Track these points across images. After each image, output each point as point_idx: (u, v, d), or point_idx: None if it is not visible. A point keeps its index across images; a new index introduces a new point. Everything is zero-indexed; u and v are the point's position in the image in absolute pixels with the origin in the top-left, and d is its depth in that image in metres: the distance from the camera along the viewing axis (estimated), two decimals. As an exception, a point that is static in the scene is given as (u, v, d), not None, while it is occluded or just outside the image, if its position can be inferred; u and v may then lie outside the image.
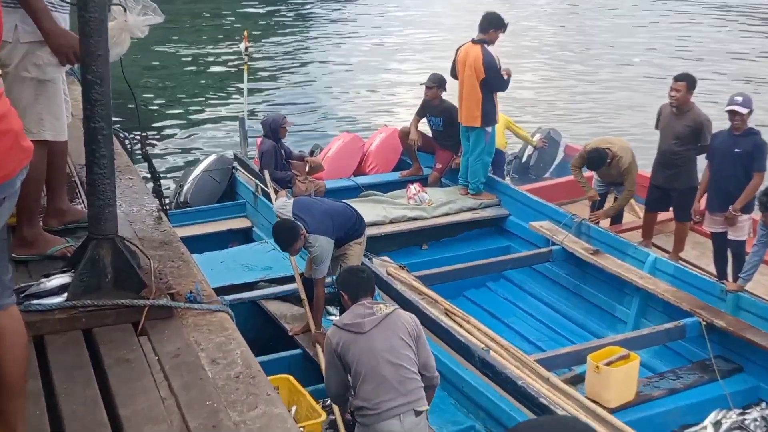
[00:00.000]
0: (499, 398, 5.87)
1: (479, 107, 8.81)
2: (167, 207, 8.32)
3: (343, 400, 5.06)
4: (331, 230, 6.37)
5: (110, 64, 3.46)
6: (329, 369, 4.93)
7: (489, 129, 9.00)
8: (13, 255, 3.82)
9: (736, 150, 7.51)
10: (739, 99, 7.53)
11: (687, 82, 8.02)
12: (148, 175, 6.50)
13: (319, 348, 6.26)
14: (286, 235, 6.27)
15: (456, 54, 9.13)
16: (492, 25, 8.78)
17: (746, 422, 6.06)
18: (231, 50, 19.69)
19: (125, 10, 3.79)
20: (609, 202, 8.79)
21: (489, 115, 8.91)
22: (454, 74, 9.24)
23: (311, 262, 6.46)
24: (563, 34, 23.44)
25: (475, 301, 8.15)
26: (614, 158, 8.28)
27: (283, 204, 6.68)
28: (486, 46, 8.75)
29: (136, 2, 3.81)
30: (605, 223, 8.66)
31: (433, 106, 9.58)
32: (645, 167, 8.98)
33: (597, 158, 8.32)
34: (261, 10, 25.57)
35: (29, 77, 3.77)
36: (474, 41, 8.85)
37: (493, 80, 8.76)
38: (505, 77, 8.88)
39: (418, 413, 4.69)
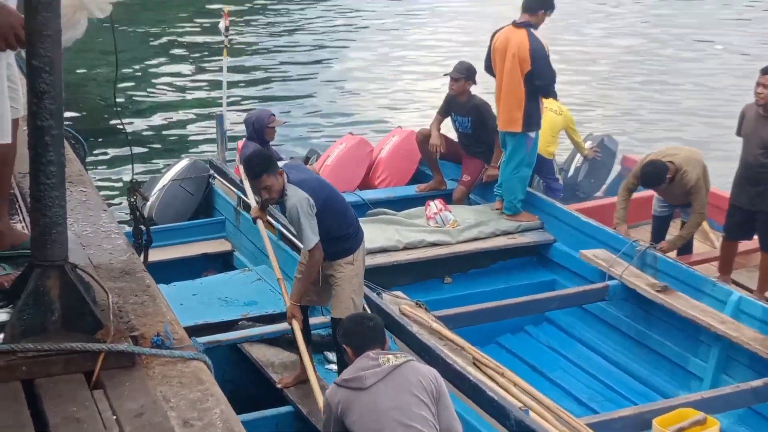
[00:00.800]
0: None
1: (521, 107, 8.81)
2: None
3: None
4: (317, 194, 6.36)
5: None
6: None
7: (532, 135, 9.00)
8: None
9: None
10: None
11: None
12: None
13: (295, 324, 6.40)
14: (259, 162, 6.34)
15: (492, 41, 9.12)
16: (540, 4, 8.80)
17: None
18: (208, 31, 19.76)
19: None
20: (674, 228, 8.75)
21: (532, 117, 8.91)
22: (489, 67, 9.26)
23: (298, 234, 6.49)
24: (618, 18, 23.52)
25: (510, 349, 8.14)
26: (677, 173, 8.28)
27: None
28: (532, 30, 8.76)
29: None
30: (672, 254, 8.62)
31: (459, 103, 9.60)
32: (724, 186, 8.97)
33: (653, 173, 8.32)
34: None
35: None
36: (516, 24, 8.86)
37: (541, 72, 8.73)
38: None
39: None
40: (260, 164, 6.33)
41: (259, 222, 7.09)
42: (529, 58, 8.66)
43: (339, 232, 6.51)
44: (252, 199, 8.26)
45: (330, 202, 6.48)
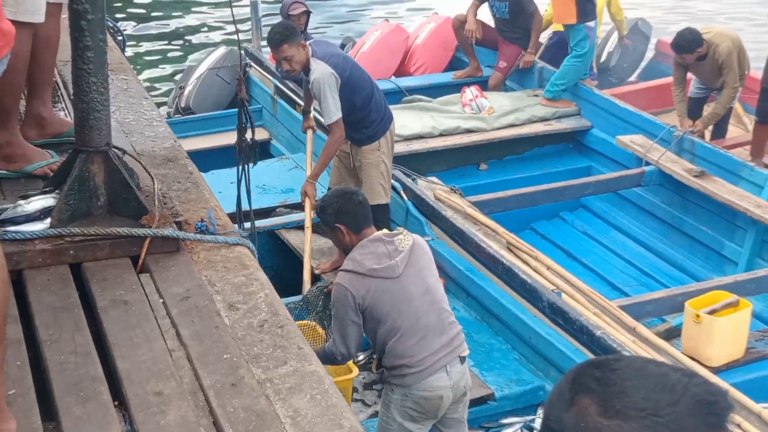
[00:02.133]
0: (575, 352, 5.84)
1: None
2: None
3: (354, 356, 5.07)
4: (342, 69, 6.36)
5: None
6: (348, 327, 4.71)
7: (591, 25, 8.93)
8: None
9: None
10: None
11: None
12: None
13: (307, 203, 6.52)
14: (281, 29, 6.39)
15: None
16: None
17: None
18: None
19: None
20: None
21: (585, 8, 8.79)
22: None
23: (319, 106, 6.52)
24: None
25: (545, 235, 8.15)
26: (709, 48, 8.18)
27: None
28: None
29: None
30: (706, 138, 8.55)
31: None
32: (757, 69, 8.83)
33: (686, 37, 8.21)
34: None
35: None
36: None
37: None
38: None
39: (462, 359, 4.76)
40: (280, 32, 6.32)
41: (309, 132, 7.05)
42: None
43: (363, 112, 6.50)
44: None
45: (354, 79, 6.46)
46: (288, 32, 6.34)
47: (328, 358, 4.72)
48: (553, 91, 9.04)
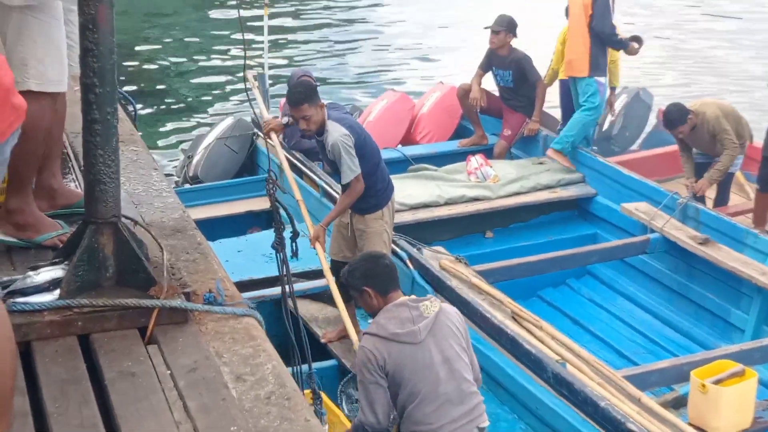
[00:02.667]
0: (582, 422, 5.78)
1: (587, 51, 8.93)
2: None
3: (384, 424, 4.86)
4: (356, 132, 6.42)
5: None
6: (373, 391, 4.69)
7: (602, 80, 9.06)
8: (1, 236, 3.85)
9: None
10: None
11: None
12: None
13: (319, 248, 6.53)
14: (301, 89, 6.42)
15: None
16: None
17: None
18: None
19: None
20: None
21: (597, 62, 8.98)
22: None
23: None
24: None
25: (552, 302, 8.12)
26: (698, 116, 8.31)
27: None
28: None
29: None
30: (710, 206, 8.55)
31: (500, 57, 9.53)
32: (759, 139, 8.88)
33: (673, 112, 8.38)
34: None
35: (13, 4, 3.68)
36: None
37: (598, 16, 8.85)
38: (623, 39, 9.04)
39: (481, 430, 4.73)
40: (302, 92, 6.36)
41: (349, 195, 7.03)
42: (591, 3, 8.83)
43: (369, 181, 6.48)
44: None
45: (365, 146, 6.49)
46: (309, 92, 6.39)
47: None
48: (562, 143, 9.14)
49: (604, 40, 9.00)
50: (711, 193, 8.83)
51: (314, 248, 6.59)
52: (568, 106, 9.69)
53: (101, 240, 3.48)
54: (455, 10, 19.02)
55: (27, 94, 3.70)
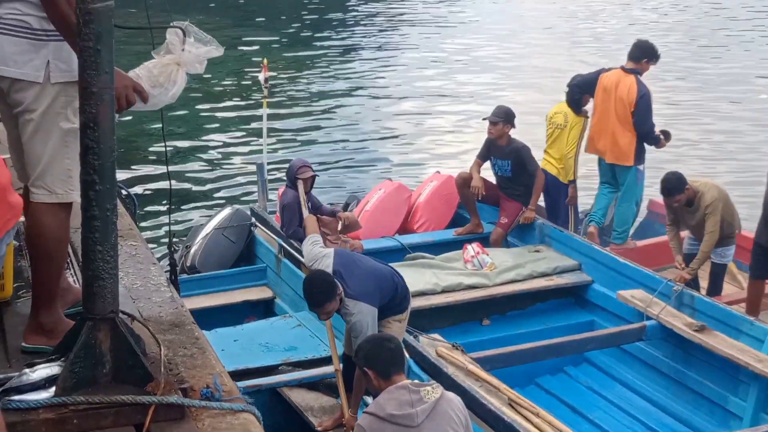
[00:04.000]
0: None
1: (633, 142, 9.59)
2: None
3: None
4: (375, 296, 6.36)
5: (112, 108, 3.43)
6: None
7: (641, 168, 9.75)
8: (24, 344, 3.82)
9: None
10: None
11: None
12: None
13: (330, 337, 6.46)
14: (320, 290, 6.23)
15: (599, 79, 9.82)
16: (645, 54, 9.65)
17: None
18: (249, 82, 19.87)
19: (184, 35, 3.73)
20: (703, 271, 8.75)
21: (641, 152, 9.72)
22: (575, 102, 10.07)
23: (350, 336, 6.43)
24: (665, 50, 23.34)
25: (549, 390, 8.03)
26: (695, 194, 8.39)
27: (318, 253, 6.64)
28: (639, 77, 9.53)
29: (190, 33, 3.75)
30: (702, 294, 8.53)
31: (499, 147, 9.60)
32: (747, 228, 9.05)
33: (672, 180, 8.48)
34: (285, 39, 25.80)
35: (51, 126, 3.70)
36: (625, 70, 9.60)
37: (640, 117, 9.49)
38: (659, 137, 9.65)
39: None
40: (323, 292, 6.24)
41: (327, 323, 6.97)
42: (635, 102, 9.45)
43: (392, 296, 6.58)
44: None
45: (383, 283, 6.52)
46: (329, 290, 6.22)
47: None
48: (623, 237, 9.84)
49: (642, 136, 9.58)
50: (704, 283, 8.82)
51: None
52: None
53: (98, 336, 3.43)
54: (451, 99, 19.26)
55: (64, 206, 3.77)
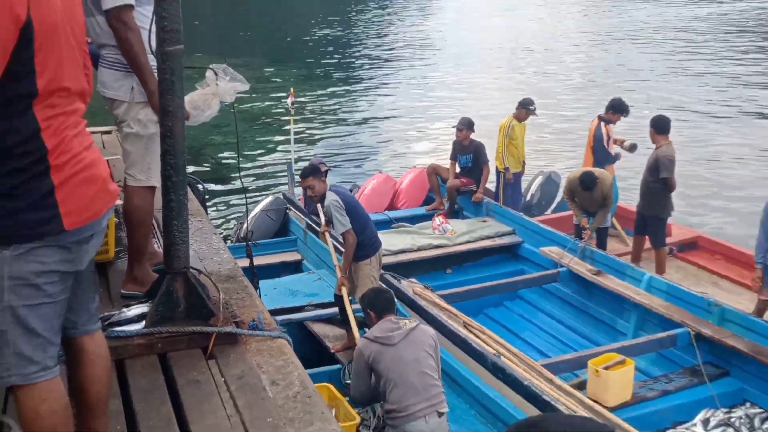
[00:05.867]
0: (514, 409, 5.64)
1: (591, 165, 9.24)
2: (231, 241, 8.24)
3: (365, 400, 4.98)
4: (344, 198, 6.29)
5: (184, 120, 3.35)
6: (358, 376, 4.79)
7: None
8: (122, 291, 3.77)
9: None
10: None
11: (654, 128, 8.18)
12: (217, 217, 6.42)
13: (344, 290, 6.33)
14: (311, 168, 6.41)
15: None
16: (612, 108, 9.30)
17: (732, 420, 5.87)
18: (280, 106, 19.70)
19: (216, 76, 3.69)
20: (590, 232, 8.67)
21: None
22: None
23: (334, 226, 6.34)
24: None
25: (492, 317, 7.95)
26: (599, 180, 8.23)
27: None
28: (601, 121, 9.23)
29: (225, 72, 3.71)
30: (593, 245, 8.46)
31: (463, 146, 9.50)
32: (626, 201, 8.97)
33: (590, 177, 8.24)
34: (306, 74, 25.59)
35: (137, 132, 3.69)
36: (599, 116, 9.39)
37: (596, 151, 9.22)
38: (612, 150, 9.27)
39: (440, 414, 4.60)
40: (310, 169, 6.37)
41: (327, 235, 6.94)
42: (593, 137, 9.25)
43: (359, 238, 6.32)
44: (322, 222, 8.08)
45: (353, 211, 6.35)
46: (314, 170, 6.40)
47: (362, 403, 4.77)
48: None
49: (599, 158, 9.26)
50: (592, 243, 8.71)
51: (340, 292, 6.44)
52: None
53: (175, 285, 3.39)
54: (425, 113, 19.13)
55: (148, 189, 3.75)
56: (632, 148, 9.41)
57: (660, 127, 8.18)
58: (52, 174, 2.22)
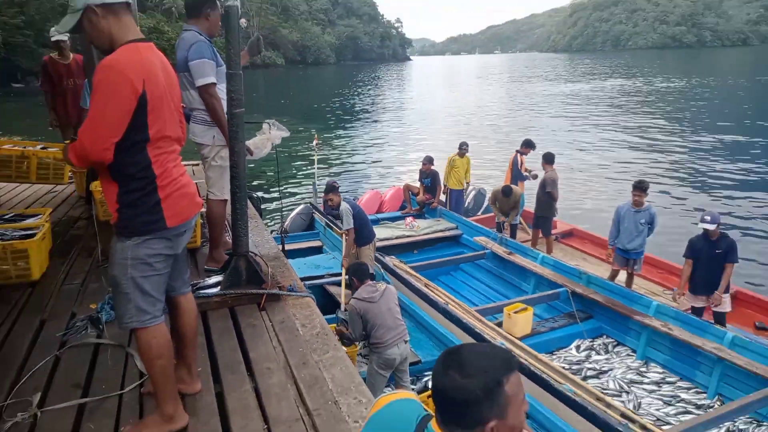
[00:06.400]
0: (455, 339, 5.63)
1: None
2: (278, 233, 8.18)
3: (359, 338, 4.82)
4: (353, 207, 6.20)
5: (247, 157, 3.33)
6: (354, 324, 4.66)
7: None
8: (205, 266, 3.74)
9: (716, 251, 5.83)
10: (708, 218, 5.53)
11: (544, 159, 8.10)
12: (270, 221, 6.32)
13: (343, 270, 6.18)
14: (330, 187, 6.27)
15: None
16: (525, 145, 9.15)
17: (594, 346, 5.92)
18: (308, 145, 19.47)
19: (269, 126, 3.69)
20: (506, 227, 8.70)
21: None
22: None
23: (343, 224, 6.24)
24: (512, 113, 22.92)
25: (443, 281, 7.92)
26: (513, 191, 8.25)
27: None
28: (518, 153, 9.10)
29: (274, 124, 3.73)
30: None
31: (425, 173, 9.46)
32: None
33: (508, 189, 8.26)
34: (325, 124, 25.37)
35: (217, 164, 3.68)
36: (517, 149, 9.20)
37: (513, 172, 9.12)
38: (524, 173, 9.09)
39: (405, 342, 4.58)
40: (329, 187, 6.32)
41: (344, 236, 6.83)
42: (512, 164, 9.11)
43: (361, 231, 6.31)
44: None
45: (358, 214, 6.32)
46: (332, 188, 6.36)
47: (348, 339, 4.59)
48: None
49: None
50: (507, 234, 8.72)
51: (344, 267, 6.39)
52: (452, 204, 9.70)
53: (240, 263, 3.38)
54: (401, 147, 19.03)
55: (222, 201, 3.70)
56: (535, 177, 9.39)
57: (548, 158, 8.21)
58: (159, 191, 2.23)
